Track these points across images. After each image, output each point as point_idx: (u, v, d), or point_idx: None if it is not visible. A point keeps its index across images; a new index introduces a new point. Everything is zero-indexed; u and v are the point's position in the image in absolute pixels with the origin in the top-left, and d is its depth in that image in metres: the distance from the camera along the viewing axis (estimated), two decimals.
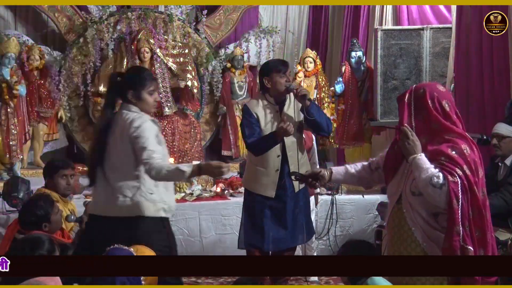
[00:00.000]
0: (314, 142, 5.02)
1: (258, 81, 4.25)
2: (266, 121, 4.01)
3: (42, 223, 3.40)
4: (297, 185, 4.08)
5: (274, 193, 4.06)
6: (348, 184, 4.27)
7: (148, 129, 3.12)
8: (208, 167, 3.10)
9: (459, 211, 2.62)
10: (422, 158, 2.69)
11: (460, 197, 2.62)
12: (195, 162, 3.16)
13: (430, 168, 2.66)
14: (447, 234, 2.66)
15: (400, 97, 2.86)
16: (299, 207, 4.15)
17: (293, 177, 3.19)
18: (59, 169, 3.95)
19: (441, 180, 2.62)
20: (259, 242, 4.08)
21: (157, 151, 3.10)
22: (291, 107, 4.02)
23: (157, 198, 3.19)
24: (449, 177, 2.63)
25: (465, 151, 2.68)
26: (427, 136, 2.76)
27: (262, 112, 4.02)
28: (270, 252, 4.23)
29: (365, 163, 3.10)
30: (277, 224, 4.11)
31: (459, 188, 2.62)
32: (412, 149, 2.72)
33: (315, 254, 5.04)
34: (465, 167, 2.65)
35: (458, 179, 2.63)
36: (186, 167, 3.06)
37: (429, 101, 2.73)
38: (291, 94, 4.03)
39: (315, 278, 4.85)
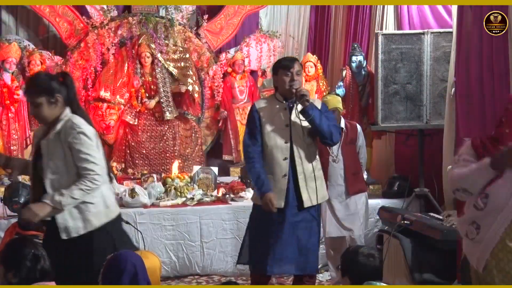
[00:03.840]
0: (360, 134, 4.78)
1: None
2: (272, 114, 3.77)
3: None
4: (308, 199, 3.72)
5: (282, 203, 3.69)
6: None
7: None
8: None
9: None
10: None
11: None
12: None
13: None
14: None
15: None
16: (298, 231, 3.72)
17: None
18: None
19: None
20: (261, 266, 3.75)
21: None
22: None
23: None
24: None
25: None
26: None
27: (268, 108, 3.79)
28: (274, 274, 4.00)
29: None
30: (282, 243, 3.70)
31: None
32: None
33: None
34: None
35: None
36: None
37: None
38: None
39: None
